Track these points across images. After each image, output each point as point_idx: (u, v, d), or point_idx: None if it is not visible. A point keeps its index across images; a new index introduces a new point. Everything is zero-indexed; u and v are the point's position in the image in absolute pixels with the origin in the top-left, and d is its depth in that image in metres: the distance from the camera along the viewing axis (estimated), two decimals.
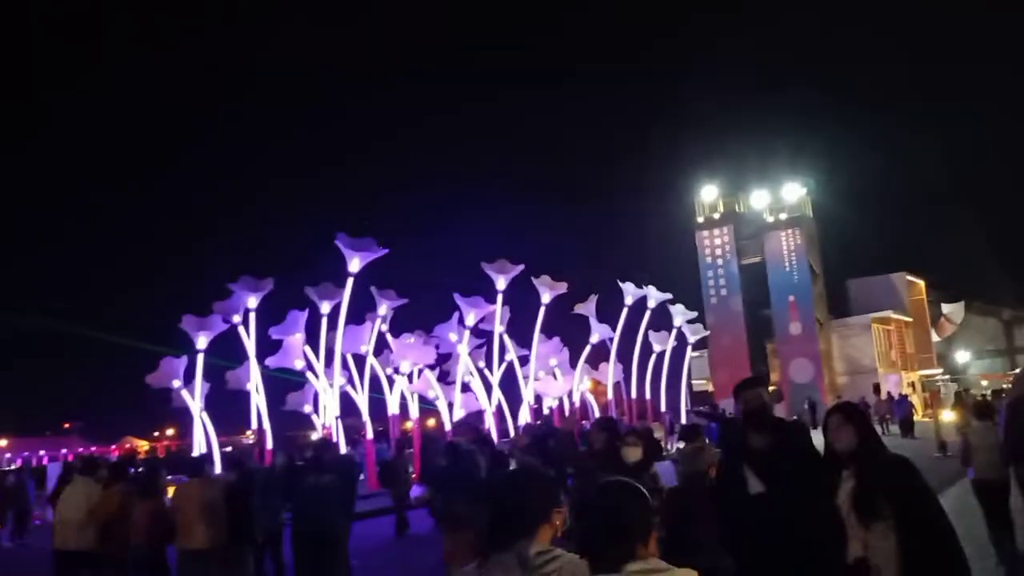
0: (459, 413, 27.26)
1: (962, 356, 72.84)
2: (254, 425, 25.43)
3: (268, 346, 24.45)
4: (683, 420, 34.18)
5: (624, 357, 35.50)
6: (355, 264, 22.16)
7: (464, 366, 27.13)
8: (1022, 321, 79.20)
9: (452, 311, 27.29)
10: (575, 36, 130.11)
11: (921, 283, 65.73)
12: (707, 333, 41.34)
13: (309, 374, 24.74)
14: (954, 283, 72.36)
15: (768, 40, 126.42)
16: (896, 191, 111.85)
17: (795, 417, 47.50)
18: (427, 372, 27.41)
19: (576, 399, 34.20)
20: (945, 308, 73.45)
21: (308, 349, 24.84)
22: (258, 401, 25.19)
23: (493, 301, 26.61)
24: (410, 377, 27.95)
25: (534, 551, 2.66)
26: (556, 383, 30.52)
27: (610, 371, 33.07)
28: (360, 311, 26.77)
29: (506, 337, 30.14)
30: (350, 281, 22.61)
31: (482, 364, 30.08)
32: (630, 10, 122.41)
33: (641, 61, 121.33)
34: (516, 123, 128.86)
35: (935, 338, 69.96)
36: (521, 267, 26.05)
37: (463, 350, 26.90)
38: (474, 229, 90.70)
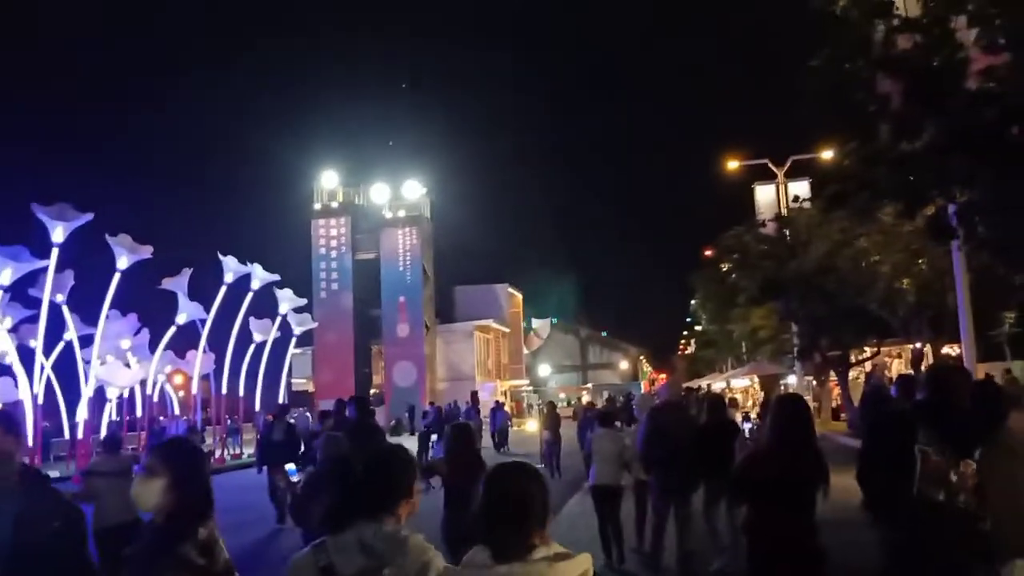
0: None
1: (544, 369, 78.36)
2: None
3: None
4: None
5: (218, 346, 30.63)
6: None
7: None
8: (595, 340, 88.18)
9: None
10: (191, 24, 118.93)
11: (519, 296, 69.29)
12: (315, 325, 37.91)
13: None
14: (544, 300, 78.02)
15: (400, 41, 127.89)
16: (504, 208, 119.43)
17: (393, 422, 46.25)
18: None
19: (154, 391, 28.62)
20: (535, 323, 78.81)
21: None
22: None
23: (46, 257, 20.55)
24: None
25: (380, 532, 2.50)
26: (126, 370, 24.85)
27: (198, 358, 27.99)
28: None
29: (65, 308, 23.87)
30: None
31: (34, 342, 23.42)
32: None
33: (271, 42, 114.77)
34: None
35: (525, 351, 74.37)
36: (89, 216, 20.34)
37: None
38: (34, 168, 74.52)
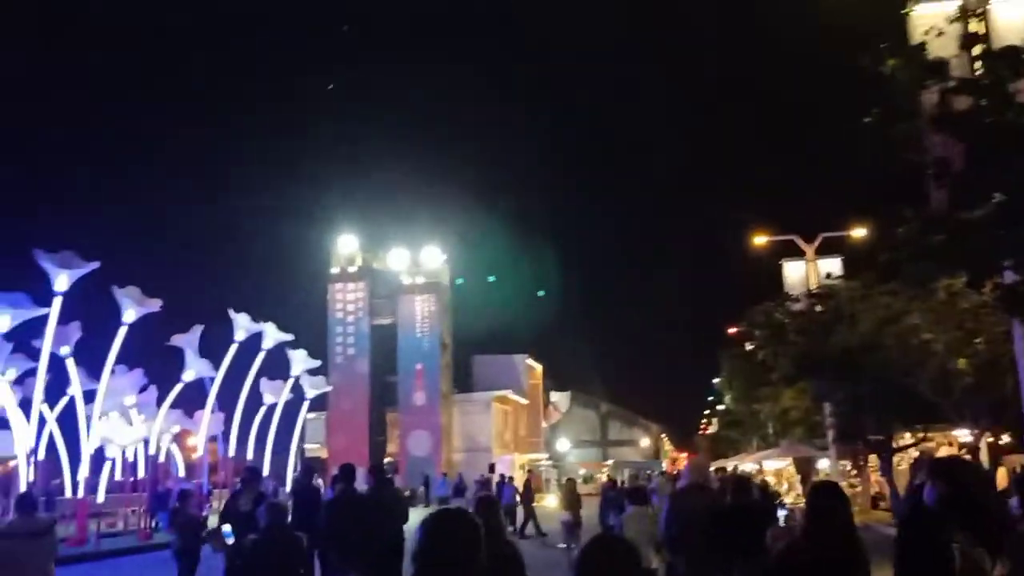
0: None
1: (563, 444, 76.34)
2: None
3: None
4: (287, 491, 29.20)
5: (228, 407, 29.68)
6: None
7: None
8: (615, 416, 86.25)
9: None
10: (225, 69, 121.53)
11: (539, 368, 67.93)
12: (329, 389, 36.90)
13: None
14: (563, 373, 76.55)
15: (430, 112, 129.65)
16: (526, 278, 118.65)
17: (408, 492, 44.64)
18: None
19: (158, 450, 27.58)
20: (554, 396, 77.22)
21: None
22: None
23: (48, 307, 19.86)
24: None
25: None
26: (128, 428, 23.88)
27: (205, 417, 27.01)
28: None
29: (70, 361, 23.11)
30: None
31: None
32: (279, 47, 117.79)
33: (307, 95, 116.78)
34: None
35: (543, 424, 72.62)
36: (95, 265, 19.68)
37: None
38: (40, 215, 73.89)
